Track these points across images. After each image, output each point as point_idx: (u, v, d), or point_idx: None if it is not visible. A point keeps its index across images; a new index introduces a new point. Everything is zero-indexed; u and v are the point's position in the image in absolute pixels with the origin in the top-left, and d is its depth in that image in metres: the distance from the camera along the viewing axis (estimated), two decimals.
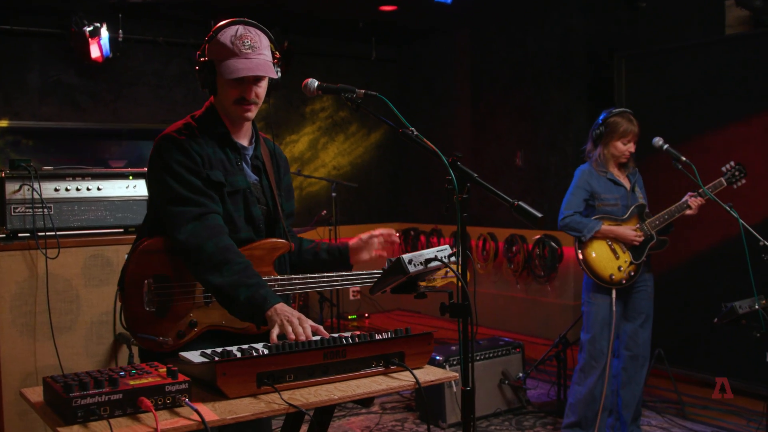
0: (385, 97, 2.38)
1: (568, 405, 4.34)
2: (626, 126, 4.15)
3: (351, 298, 8.25)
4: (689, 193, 4.12)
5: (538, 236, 7.06)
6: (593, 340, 4.20)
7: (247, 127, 2.57)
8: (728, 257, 5.20)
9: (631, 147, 4.19)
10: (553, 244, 6.94)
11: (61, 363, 3.72)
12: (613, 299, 4.14)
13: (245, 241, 2.48)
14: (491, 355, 4.93)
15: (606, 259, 4.15)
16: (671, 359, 5.13)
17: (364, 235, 2.68)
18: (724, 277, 5.26)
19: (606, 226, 4.16)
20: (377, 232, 2.68)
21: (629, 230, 4.15)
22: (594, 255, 4.16)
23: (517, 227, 7.24)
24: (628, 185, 4.25)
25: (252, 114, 2.49)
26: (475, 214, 7.87)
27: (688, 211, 4.10)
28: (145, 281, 2.33)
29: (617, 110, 4.24)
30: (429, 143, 2.32)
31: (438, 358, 4.67)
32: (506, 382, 4.94)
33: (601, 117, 4.24)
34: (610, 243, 4.16)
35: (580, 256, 4.18)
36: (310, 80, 2.48)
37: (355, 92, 2.44)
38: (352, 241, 2.70)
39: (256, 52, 2.40)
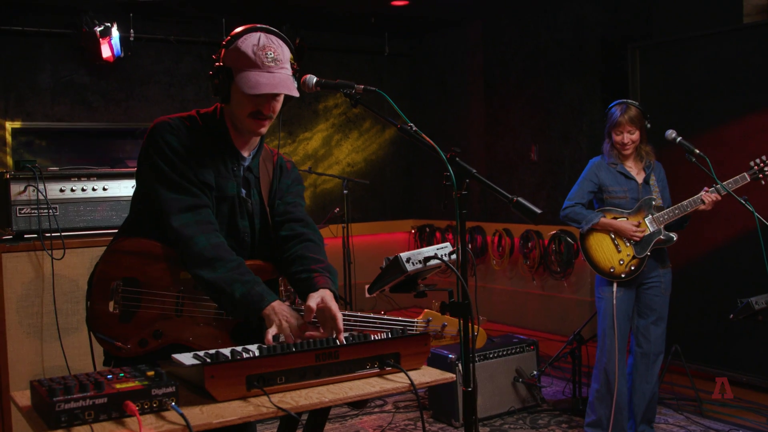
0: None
1: (588, 403, 4.29)
2: (615, 117, 4.09)
3: (367, 296, 8.20)
4: (705, 189, 4.00)
5: (553, 232, 6.97)
6: (603, 335, 4.16)
7: (255, 139, 2.46)
8: (746, 251, 5.09)
9: (624, 138, 4.09)
10: (569, 239, 6.85)
11: (68, 364, 3.71)
12: (614, 292, 4.08)
13: None
14: (505, 352, 4.86)
15: (607, 251, 4.11)
16: (688, 355, 5.04)
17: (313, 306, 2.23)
18: (741, 272, 5.15)
19: (605, 219, 4.11)
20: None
21: (629, 225, 4.06)
22: (595, 247, 4.14)
23: (533, 223, 7.16)
24: (640, 179, 4.16)
25: (265, 129, 2.36)
26: (490, 209, 7.80)
27: (702, 207, 3.98)
28: (113, 282, 2.24)
29: (618, 101, 4.17)
30: (427, 138, 2.25)
31: (451, 356, 4.61)
32: (520, 380, 4.87)
33: (607, 109, 4.23)
34: (613, 236, 4.11)
35: (582, 247, 4.18)
36: (308, 76, 2.38)
37: (354, 88, 2.36)
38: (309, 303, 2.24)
39: (279, 66, 2.29)
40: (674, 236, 4.09)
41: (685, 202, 4.02)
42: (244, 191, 2.43)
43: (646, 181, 4.15)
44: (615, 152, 4.17)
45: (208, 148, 2.35)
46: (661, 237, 4.06)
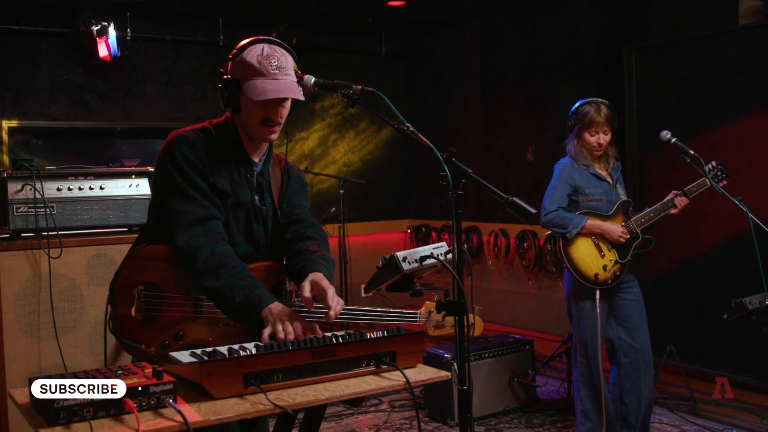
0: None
1: (581, 412, 4.12)
2: (592, 117, 3.95)
3: (363, 295, 8.21)
4: (673, 192, 3.99)
5: (549, 232, 6.97)
6: (586, 344, 4.02)
7: (264, 145, 2.57)
8: (739, 252, 5.11)
9: (600, 138, 3.98)
10: None
11: (64, 362, 3.72)
12: (597, 300, 3.93)
13: (243, 257, 2.45)
14: (500, 352, 4.88)
15: (591, 257, 3.96)
16: (683, 355, 5.05)
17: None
18: (735, 272, 5.18)
19: (592, 222, 3.95)
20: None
21: (616, 227, 3.96)
22: (578, 253, 3.96)
23: (529, 223, 7.17)
24: (611, 180, 4.07)
25: (276, 135, 2.49)
26: (486, 210, 7.81)
27: (673, 210, 3.97)
28: (135, 288, 2.32)
29: (587, 99, 4.04)
30: (424, 139, 2.28)
31: (446, 355, 4.63)
32: (515, 379, 4.89)
33: (573, 108, 4.07)
34: (595, 240, 3.97)
35: (565, 254, 3.98)
36: (306, 77, 2.48)
37: (352, 88, 2.43)
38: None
39: (283, 73, 2.39)
40: (653, 239, 4.05)
41: (657, 206, 3.99)
42: (257, 197, 2.53)
43: (614, 184, 4.08)
44: (584, 153, 4.04)
45: (223, 157, 2.45)
46: (641, 240, 4.00)
